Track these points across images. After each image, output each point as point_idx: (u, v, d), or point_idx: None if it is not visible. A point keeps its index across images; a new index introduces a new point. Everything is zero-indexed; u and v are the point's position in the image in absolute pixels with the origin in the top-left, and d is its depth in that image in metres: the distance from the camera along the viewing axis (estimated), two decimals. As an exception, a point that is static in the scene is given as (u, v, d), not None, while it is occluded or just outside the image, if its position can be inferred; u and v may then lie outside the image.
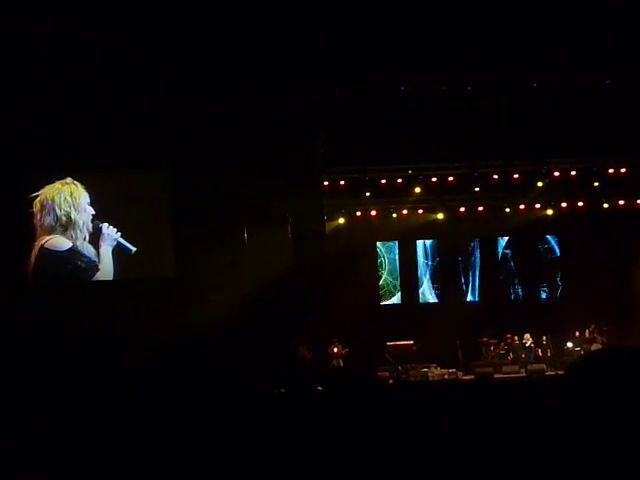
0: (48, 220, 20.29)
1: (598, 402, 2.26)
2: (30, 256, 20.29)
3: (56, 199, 20.35)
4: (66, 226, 20.29)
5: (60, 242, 20.36)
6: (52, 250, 20.32)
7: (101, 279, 20.53)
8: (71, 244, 20.33)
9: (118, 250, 20.37)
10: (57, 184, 20.41)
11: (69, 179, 20.45)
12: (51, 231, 20.35)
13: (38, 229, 20.34)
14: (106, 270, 20.46)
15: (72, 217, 20.30)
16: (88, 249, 20.44)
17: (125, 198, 20.50)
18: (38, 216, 20.30)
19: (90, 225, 20.33)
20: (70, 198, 20.37)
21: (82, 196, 20.40)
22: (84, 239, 20.38)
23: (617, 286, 22.93)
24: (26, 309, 18.11)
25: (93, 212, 20.35)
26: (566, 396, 2.34)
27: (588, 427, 2.25)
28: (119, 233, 20.27)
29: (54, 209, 20.30)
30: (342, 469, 3.58)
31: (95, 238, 20.41)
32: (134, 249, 20.16)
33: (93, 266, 20.43)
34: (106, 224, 20.28)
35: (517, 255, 24.46)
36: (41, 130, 19.49)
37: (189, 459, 3.64)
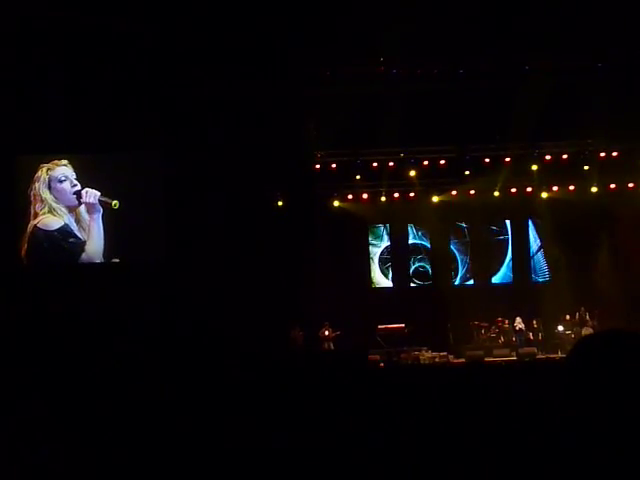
0: (38, 200, 20.44)
1: (600, 386, 2.26)
2: (25, 237, 20.36)
3: (40, 180, 20.53)
4: (51, 205, 20.42)
5: (51, 221, 20.50)
6: (43, 229, 20.46)
7: (92, 257, 20.57)
8: (62, 222, 20.43)
9: (108, 219, 20.41)
10: (46, 166, 20.58)
11: (56, 159, 20.60)
12: (42, 211, 20.44)
13: (32, 210, 20.50)
14: (96, 246, 20.51)
15: (50, 196, 20.44)
16: (78, 226, 20.56)
17: (116, 180, 20.49)
18: (31, 197, 20.50)
19: (72, 198, 20.42)
20: (46, 176, 20.53)
21: (51, 172, 20.53)
22: (71, 217, 20.47)
23: (607, 269, 22.99)
24: (20, 293, 18.17)
25: (77, 188, 20.43)
26: (568, 380, 2.35)
27: (590, 411, 2.26)
28: (98, 193, 20.35)
29: (40, 190, 20.42)
30: (335, 452, 3.60)
31: (80, 213, 20.56)
32: (115, 201, 20.21)
33: (82, 243, 20.53)
34: (85, 189, 20.35)
35: (508, 238, 24.49)
36: (35, 113, 19.50)
37: (184, 447, 3.65)
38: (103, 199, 20.29)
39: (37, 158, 20.67)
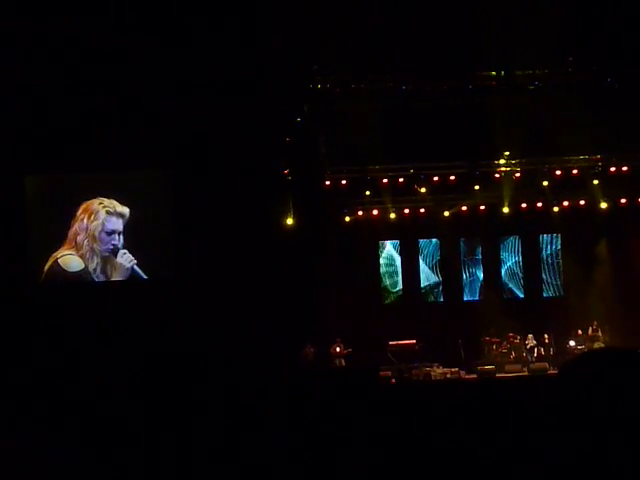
0: (83, 231, 20.21)
1: (591, 401, 2.28)
2: (45, 266, 20.28)
3: (100, 218, 20.26)
4: (92, 247, 20.23)
5: (72, 262, 20.26)
6: (62, 268, 20.25)
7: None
8: (83, 266, 20.23)
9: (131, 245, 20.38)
10: (96, 202, 20.33)
11: (107, 201, 20.34)
12: (78, 245, 20.25)
13: (69, 234, 20.29)
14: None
15: (97, 241, 20.27)
16: (99, 276, 20.35)
17: (128, 198, 20.50)
18: (76, 222, 20.25)
19: (106, 250, 20.28)
20: (105, 217, 20.30)
21: (106, 221, 20.31)
22: (96, 265, 20.29)
23: (620, 284, 22.93)
24: (33, 308, 18.33)
25: (114, 242, 20.23)
26: (560, 395, 2.37)
27: (581, 424, 2.28)
28: (134, 261, 20.21)
29: (95, 230, 20.23)
30: (346, 467, 3.60)
31: (110, 263, 20.38)
32: (146, 277, 20.13)
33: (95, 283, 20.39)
34: (122, 251, 20.21)
35: (519, 253, 24.43)
36: (44, 131, 19.55)
37: (190, 458, 3.65)
38: (137, 270, 20.14)
39: (46, 178, 20.65)
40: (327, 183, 22.34)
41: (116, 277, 20.32)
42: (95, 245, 20.16)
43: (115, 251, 20.21)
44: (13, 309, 18.86)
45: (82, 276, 20.21)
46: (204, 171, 20.35)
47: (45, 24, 18.39)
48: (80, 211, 20.24)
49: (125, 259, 20.07)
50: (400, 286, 24.00)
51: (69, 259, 20.18)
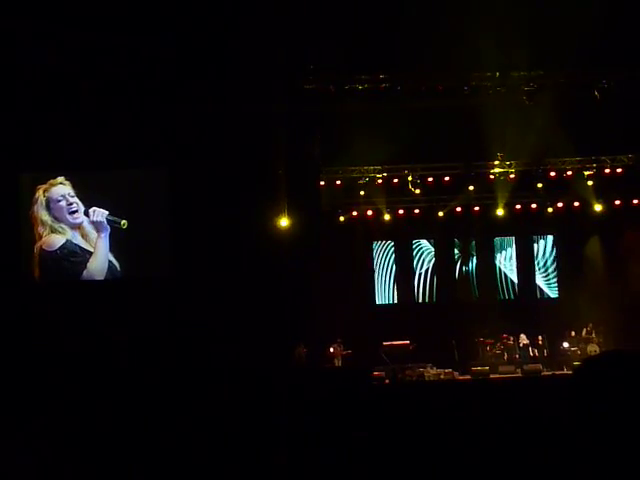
0: (39, 223, 20.52)
1: (604, 405, 2.26)
2: (35, 259, 20.46)
3: (38, 202, 20.59)
4: (52, 226, 20.44)
5: (53, 240, 20.53)
6: (46, 250, 20.45)
7: (93, 275, 20.52)
8: (64, 239, 20.41)
9: (115, 236, 20.40)
10: (42, 187, 20.65)
11: (51, 179, 20.65)
12: (45, 232, 20.51)
13: (35, 232, 20.59)
14: (98, 264, 20.47)
15: (50, 217, 20.50)
16: (85, 240, 20.54)
17: (123, 197, 20.51)
18: (32, 220, 20.61)
19: (70, 218, 20.39)
20: (43, 198, 20.55)
21: (56, 194, 20.55)
22: (76, 232, 20.45)
23: (614, 285, 22.95)
24: (30, 311, 18.35)
25: (71, 203, 20.46)
26: (573, 399, 2.34)
27: (593, 429, 2.25)
28: (105, 212, 20.35)
29: (39, 212, 20.49)
30: (340, 468, 3.58)
31: (86, 228, 20.55)
32: (123, 221, 20.19)
33: (84, 260, 20.50)
34: (92, 208, 20.35)
35: (513, 254, 24.47)
36: (39, 130, 19.55)
37: (186, 457, 3.63)
38: (111, 218, 20.28)
39: (41, 176, 20.70)
40: (322, 183, 22.35)
41: (100, 236, 20.50)
42: (51, 223, 20.45)
43: (85, 212, 20.41)
44: (8, 309, 18.83)
45: (69, 249, 20.40)
46: (199, 171, 20.34)
47: (44, 23, 18.37)
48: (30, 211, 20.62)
49: (97, 215, 20.27)
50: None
51: (50, 239, 20.53)
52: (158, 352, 17.00)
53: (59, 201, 20.50)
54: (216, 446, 3.75)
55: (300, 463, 3.70)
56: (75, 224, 20.45)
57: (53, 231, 20.45)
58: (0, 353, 16.50)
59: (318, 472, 3.64)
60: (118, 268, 20.66)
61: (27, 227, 20.53)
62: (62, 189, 20.57)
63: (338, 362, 21.56)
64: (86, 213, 20.45)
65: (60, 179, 20.60)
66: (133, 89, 19.71)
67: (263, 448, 3.78)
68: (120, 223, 20.15)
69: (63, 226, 20.46)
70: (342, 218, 23.24)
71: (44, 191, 20.53)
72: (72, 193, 20.54)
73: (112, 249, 20.53)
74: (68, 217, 20.47)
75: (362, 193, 22.72)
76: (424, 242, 24.29)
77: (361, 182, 22.62)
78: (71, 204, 20.43)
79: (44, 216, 20.43)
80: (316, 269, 21.36)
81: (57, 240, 20.47)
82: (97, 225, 20.43)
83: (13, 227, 20.36)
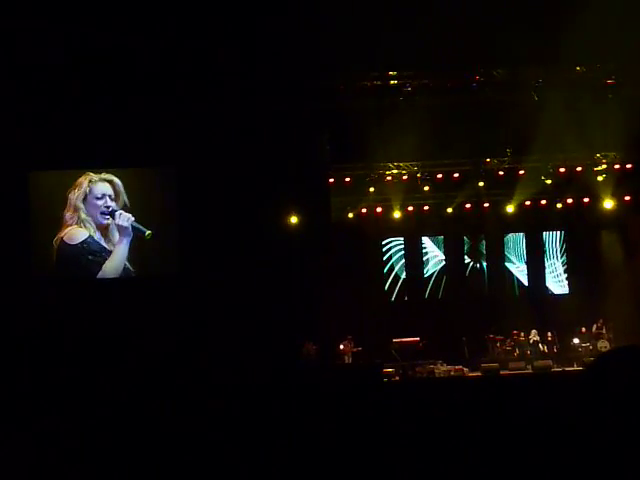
0: (71, 208, 20.40)
1: (619, 402, 2.26)
2: (54, 249, 20.38)
3: (82, 189, 20.42)
4: (80, 216, 20.37)
5: (76, 233, 20.37)
6: (67, 243, 20.39)
7: (107, 275, 20.53)
8: (87, 235, 20.35)
9: (134, 242, 20.40)
10: (90, 176, 20.50)
11: (92, 173, 20.49)
12: (72, 221, 20.42)
13: (64, 214, 20.42)
14: (115, 266, 20.46)
15: (83, 207, 20.38)
16: (106, 239, 20.49)
17: (131, 195, 20.51)
18: (67, 201, 20.47)
19: (102, 218, 20.35)
20: (87, 187, 20.41)
21: (92, 188, 20.42)
22: (99, 232, 20.41)
23: (624, 281, 22.90)
24: (38, 304, 18.46)
25: (107, 204, 20.38)
26: (586, 395, 2.34)
27: (607, 426, 2.25)
28: (131, 218, 20.23)
29: (77, 200, 20.37)
30: (348, 464, 3.59)
31: (110, 229, 20.48)
32: (148, 231, 20.11)
33: (102, 259, 20.46)
34: (119, 211, 20.32)
35: (524, 250, 24.46)
36: (50, 129, 19.61)
37: (190, 455, 3.64)
38: (136, 225, 20.15)
39: (50, 174, 20.71)
40: (331, 180, 22.35)
41: (119, 238, 20.37)
42: (82, 214, 20.32)
43: (112, 213, 20.30)
44: (16, 305, 18.90)
45: (89, 245, 20.31)
46: (207, 168, 20.35)
47: (46, 23, 18.42)
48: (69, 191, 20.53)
49: (122, 219, 20.18)
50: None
51: (73, 232, 20.34)
52: (164, 349, 17.04)
53: (99, 198, 20.34)
54: (225, 445, 3.76)
55: (308, 461, 3.71)
56: (102, 224, 20.36)
57: (79, 222, 20.32)
58: (5, 346, 16.58)
59: (327, 469, 3.65)
60: (133, 273, 20.56)
61: (38, 222, 20.51)
62: (106, 188, 20.37)
63: (348, 359, 21.56)
64: (112, 215, 20.46)
65: (110, 176, 20.45)
66: (142, 88, 19.73)
67: (270, 446, 3.79)
68: (145, 233, 20.06)
69: (90, 222, 20.36)
70: (351, 215, 23.26)
71: (90, 181, 20.44)
72: (113, 195, 20.39)
73: (130, 255, 20.45)
74: (99, 217, 20.36)
75: (372, 190, 22.73)
76: (428, 240, 24.32)
77: (370, 179, 22.62)
78: (108, 206, 20.31)
79: (79, 204, 20.30)
80: (325, 267, 21.36)
81: (81, 234, 20.35)
82: (121, 229, 20.24)
83: (24, 223, 20.35)
